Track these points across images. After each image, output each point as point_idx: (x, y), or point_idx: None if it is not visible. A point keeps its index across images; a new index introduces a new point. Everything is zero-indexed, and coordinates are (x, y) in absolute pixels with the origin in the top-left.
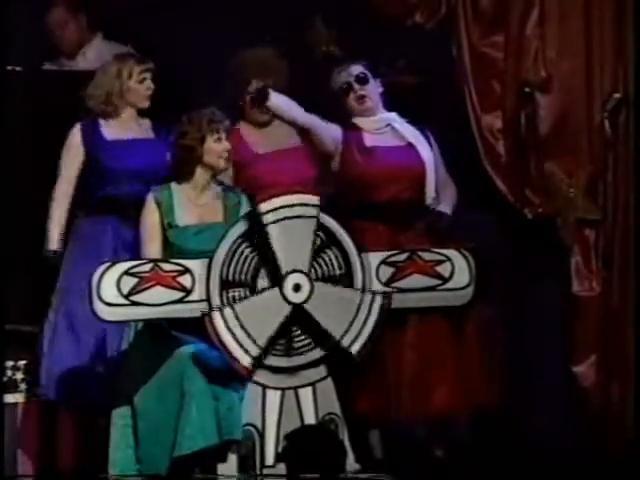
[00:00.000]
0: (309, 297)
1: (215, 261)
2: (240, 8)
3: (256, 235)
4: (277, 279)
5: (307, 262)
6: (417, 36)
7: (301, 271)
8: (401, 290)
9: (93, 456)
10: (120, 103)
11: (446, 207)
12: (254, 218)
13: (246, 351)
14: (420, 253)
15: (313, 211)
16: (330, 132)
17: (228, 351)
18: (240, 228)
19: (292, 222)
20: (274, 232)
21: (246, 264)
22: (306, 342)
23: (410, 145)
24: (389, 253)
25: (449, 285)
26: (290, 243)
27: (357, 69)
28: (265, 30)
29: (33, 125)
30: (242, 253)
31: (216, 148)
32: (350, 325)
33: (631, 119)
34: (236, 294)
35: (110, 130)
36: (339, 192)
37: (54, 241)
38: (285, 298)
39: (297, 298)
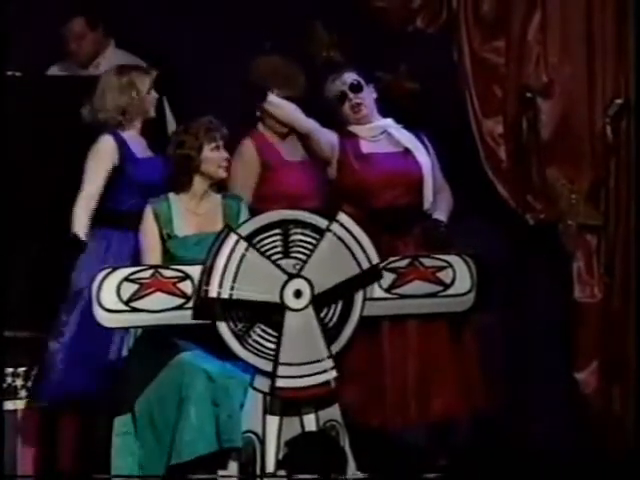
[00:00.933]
0: (297, 310)
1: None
2: (243, 15)
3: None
4: (294, 274)
5: (323, 288)
6: (418, 41)
7: (312, 288)
8: (402, 296)
9: (93, 462)
10: (134, 116)
11: (441, 214)
12: (324, 218)
13: (220, 286)
14: (421, 259)
15: (365, 264)
16: (328, 138)
17: (209, 270)
18: (242, 234)
19: (345, 252)
20: (329, 241)
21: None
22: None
23: (407, 151)
24: (390, 259)
25: (450, 291)
26: (328, 262)
27: (351, 77)
28: (266, 36)
29: (40, 131)
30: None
31: (214, 157)
32: (298, 364)
33: (632, 125)
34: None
35: (134, 145)
36: (335, 199)
37: (81, 228)
38: (282, 290)
39: (290, 301)
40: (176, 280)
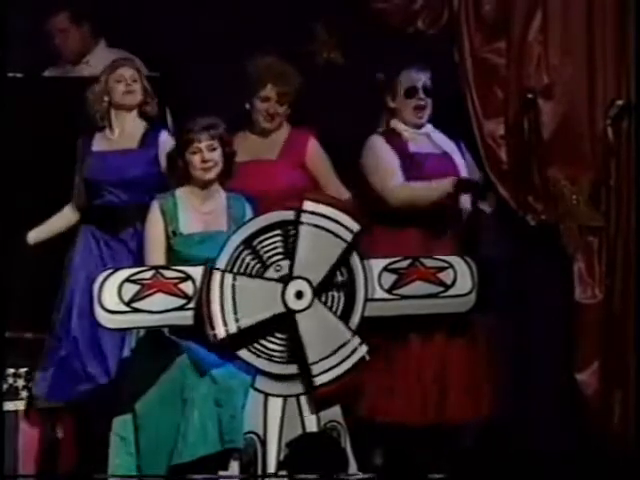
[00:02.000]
0: (305, 309)
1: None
2: (242, 15)
3: (242, 262)
4: (286, 278)
5: (320, 278)
6: (419, 43)
7: (310, 282)
8: (403, 297)
9: (93, 462)
10: (110, 109)
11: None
12: (295, 211)
13: (225, 324)
14: (422, 259)
15: (348, 236)
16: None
17: (209, 314)
18: (242, 235)
19: (325, 234)
20: (305, 233)
21: (247, 272)
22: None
23: (446, 154)
24: (391, 260)
25: (451, 292)
26: (313, 251)
27: (427, 76)
28: (267, 38)
29: (35, 132)
30: (243, 260)
31: (193, 160)
32: (327, 357)
33: (633, 126)
34: None
35: (102, 142)
36: (366, 198)
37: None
38: (283, 298)
39: (295, 304)
40: (177, 281)
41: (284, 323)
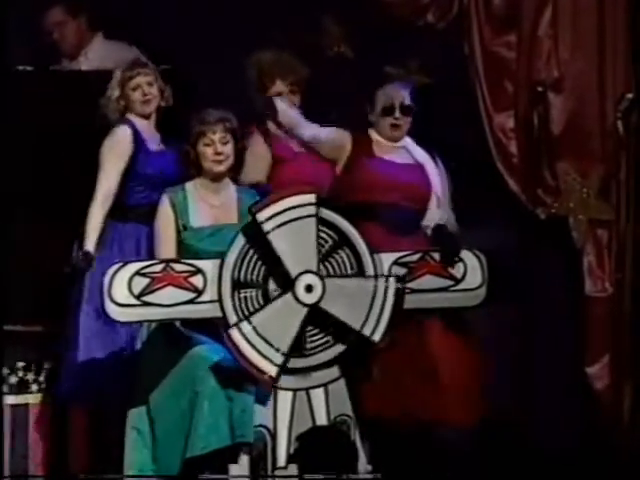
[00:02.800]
0: (322, 295)
1: (227, 261)
2: (249, 8)
3: (258, 245)
4: (288, 283)
5: (315, 261)
6: (429, 36)
7: (311, 271)
8: (414, 291)
9: (105, 457)
10: (137, 110)
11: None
12: (253, 229)
13: (271, 361)
14: (432, 254)
15: (312, 209)
16: (333, 142)
17: (252, 364)
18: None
19: (291, 225)
20: (275, 239)
21: (258, 264)
22: (320, 342)
23: (419, 165)
24: (402, 254)
25: (462, 286)
26: (294, 246)
27: (406, 95)
28: (276, 30)
29: (38, 126)
30: (254, 253)
31: (205, 152)
32: (368, 314)
33: None
34: (247, 295)
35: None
36: (339, 194)
37: (91, 243)
38: (299, 301)
39: (311, 298)
40: (187, 274)
41: (315, 318)
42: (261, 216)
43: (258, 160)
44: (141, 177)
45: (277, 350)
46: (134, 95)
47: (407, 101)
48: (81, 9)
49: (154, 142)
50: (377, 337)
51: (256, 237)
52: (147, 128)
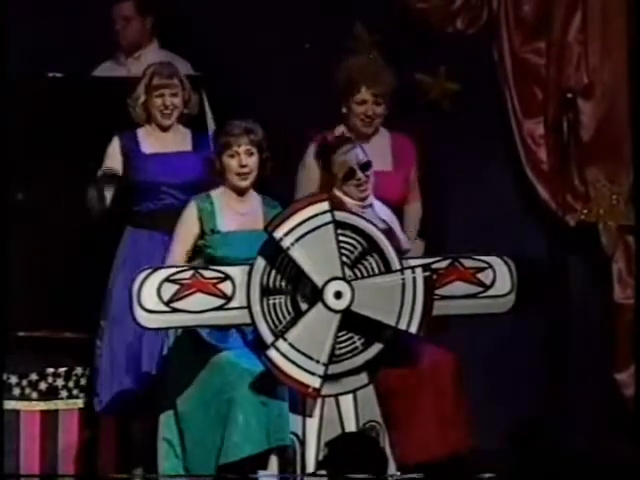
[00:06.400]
0: (352, 299)
1: (256, 268)
2: (284, 16)
3: (281, 262)
4: (317, 293)
5: (339, 267)
6: (458, 42)
7: (337, 277)
8: (443, 297)
9: (134, 463)
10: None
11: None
12: (273, 247)
13: (312, 373)
14: (461, 260)
15: (327, 217)
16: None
17: (295, 380)
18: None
19: (310, 237)
20: (296, 253)
21: (287, 271)
22: (349, 348)
23: (388, 226)
24: (430, 260)
25: (491, 292)
26: (316, 256)
27: (360, 154)
28: (308, 36)
29: (76, 132)
30: (283, 260)
31: (230, 164)
32: (401, 308)
33: None
34: (276, 301)
35: (149, 142)
36: None
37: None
38: (330, 309)
39: (341, 304)
40: (216, 281)
41: (350, 323)
42: (278, 233)
43: (311, 173)
44: (140, 184)
45: (317, 362)
46: (157, 102)
47: (363, 158)
48: (150, 10)
49: (159, 147)
50: (414, 329)
51: (276, 257)
52: (146, 133)
